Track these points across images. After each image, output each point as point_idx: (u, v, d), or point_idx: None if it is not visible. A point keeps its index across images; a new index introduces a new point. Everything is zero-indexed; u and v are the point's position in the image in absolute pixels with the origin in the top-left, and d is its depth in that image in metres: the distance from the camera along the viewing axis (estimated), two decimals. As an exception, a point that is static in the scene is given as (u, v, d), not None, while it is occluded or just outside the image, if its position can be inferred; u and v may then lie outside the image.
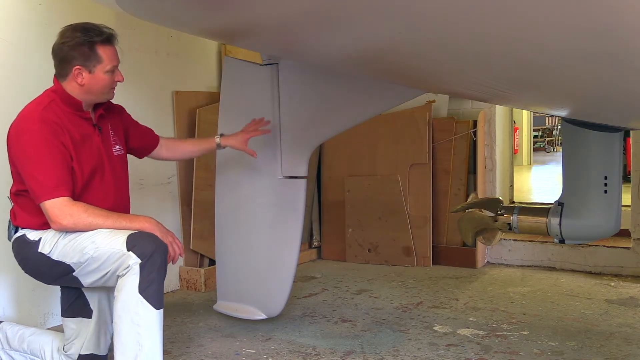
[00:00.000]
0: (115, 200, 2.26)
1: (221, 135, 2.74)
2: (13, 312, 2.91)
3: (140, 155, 2.61)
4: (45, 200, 2.05)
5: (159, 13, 2.17)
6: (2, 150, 2.84)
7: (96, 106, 2.28)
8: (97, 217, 2.08)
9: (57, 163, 2.07)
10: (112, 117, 2.37)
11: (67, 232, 2.11)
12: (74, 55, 2.14)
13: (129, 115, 2.54)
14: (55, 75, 2.23)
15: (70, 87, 2.18)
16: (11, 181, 2.67)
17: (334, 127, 2.93)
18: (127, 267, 2.01)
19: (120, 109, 2.46)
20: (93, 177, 2.21)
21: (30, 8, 2.99)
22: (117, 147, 2.35)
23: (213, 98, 3.85)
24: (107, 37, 2.18)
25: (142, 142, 2.57)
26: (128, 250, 2.01)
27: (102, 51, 2.16)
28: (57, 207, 2.05)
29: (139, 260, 2.01)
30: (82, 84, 2.17)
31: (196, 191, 3.77)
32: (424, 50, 1.55)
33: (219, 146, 2.72)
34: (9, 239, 2.26)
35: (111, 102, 2.38)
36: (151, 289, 2.01)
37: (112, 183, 2.28)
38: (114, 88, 2.27)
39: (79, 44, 2.13)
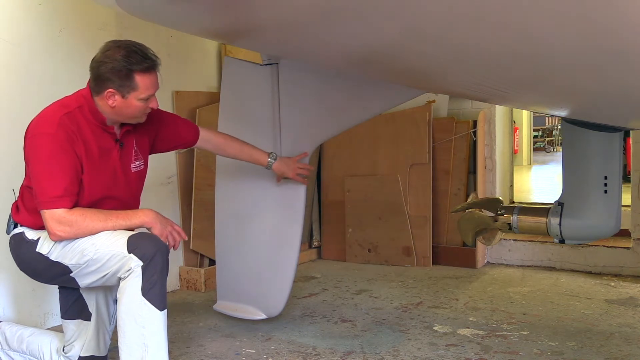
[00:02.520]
0: None
1: (275, 157, 2.71)
2: (13, 312, 2.91)
3: (178, 149, 2.59)
4: (46, 209, 2.02)
5: (159, 13, 2.17)
6: (3, 148, 2.85)
7: (124, 123, 2.23)
8: (97, 222, 2.05)
9: (66, 172, 2.04)
10: (140, 131, 2.31)
11: None
12: (110, 78, 2.07)
13: (166, 115, 2.46)
14: (89, 84, 2.17)
15: (101, 104, 2.13)
16: (11, 177, 2.68)
17: (334, 127, 2.93)
18: (129, 269, 2.00)
19: (153, 116, 2.33)
20: (102, 194, 2.16)
21: (30, 8, 2.98)
22: (137, 162, 2.30)
23: (213, 98, 3.85)
24: (148, 67, 2.10)
25: (175, 142, 2.53)
26: (129, 252, 2.00)
27: (140, 79, 2.09)
28: (56, 218, 2.02)
29: (140, 263, 2.00)
30: (113, 106, 2.11)
31: (196, 191, 3.77)
32: (424, 50, 1.55)
33: (268, 166, 2.71)
34: (7, 233, 2.24)
35: None
36: (154, 291, 2.01)
37: (122, 202, 2.23)
38: (147, 113, 2.21)
39: (117, 69, 2.06)
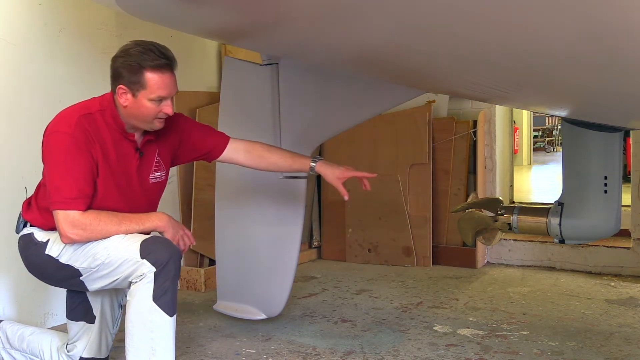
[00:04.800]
0: None
1: (318, 159, 2.45)
2: (13, 312, 2.91)
3: (206, 160, 2.43)
4: (59, 209, 1.98)
5: (159, 13, 2.17)
6: (3, 148, 2.85)
7: (147, 131, 2.15)
8: (111, 225, 2.01)
9: (81, 172, 2.00)
10: (163, 140, 2.24)
11: None
12: (122, 74, 2.02)
13: (192, 123, 2.36)
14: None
15: (118, 103, 2.08)
16: (11, 176, 2.67)
17: (334, 127, 2.93)
18: (141, 275, 1.97)
19: (178, 124, 2.30)
20: (115, 201, 2.10)
21: (30, 8, 2.98)
22: (158, 173, 2.23)
23: (213, 98, 3.85)
24: (160, 64, 2.02)
25: (200, 152, 2.39)
26: (142, 257, 1.97)
27: (150, 77, 2.01)
28: (69, 220, 1.97)
29: (153, 269, 1.96)
30: (124, 105, 2.05)
31: (196, 191, 3.77)
32: (424, 50, 1.55)
33: (311, 170, 2.44)
34: (17, 232, 2.20)
35: (168, 121, 2.17)
36: (166, 297, 1.98)
37: (136, 211, 2.15)
38: (162, 119, 2.10)
39: (127, 63, 2.01)
